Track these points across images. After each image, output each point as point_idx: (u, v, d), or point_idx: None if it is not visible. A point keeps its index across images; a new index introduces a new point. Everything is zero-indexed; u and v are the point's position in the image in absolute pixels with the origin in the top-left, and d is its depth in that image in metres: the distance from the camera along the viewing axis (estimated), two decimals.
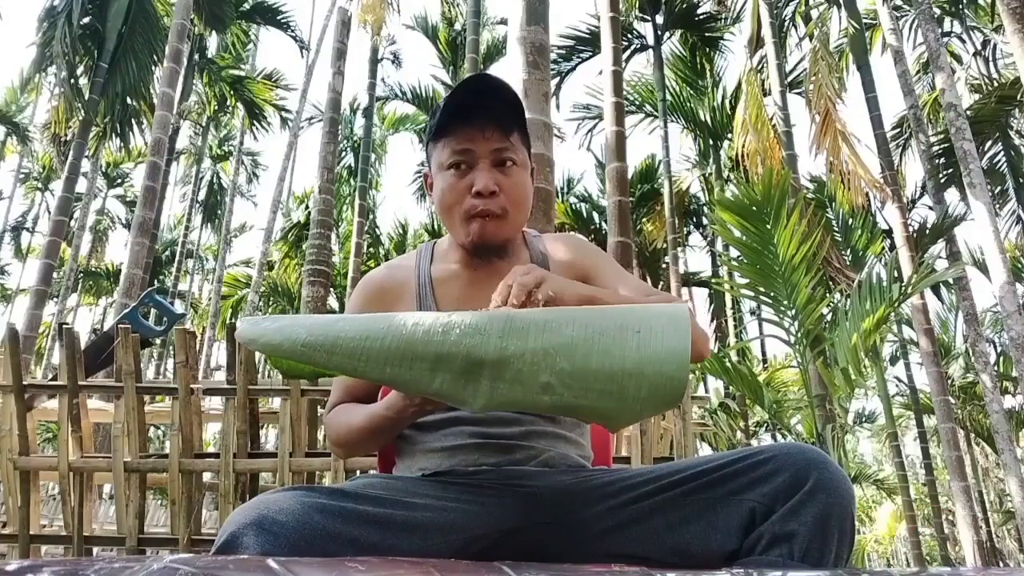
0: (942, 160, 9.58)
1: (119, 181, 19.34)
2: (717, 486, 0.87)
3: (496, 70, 12.38)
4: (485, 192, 1.05)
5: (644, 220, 12.57)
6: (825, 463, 0.83)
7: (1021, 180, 10.43)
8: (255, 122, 13.56)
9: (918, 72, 11.60)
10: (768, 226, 3.67)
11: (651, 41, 11.07)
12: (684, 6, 10.82)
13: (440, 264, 1.17)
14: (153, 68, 9.31)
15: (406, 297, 1.14)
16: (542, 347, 0.75)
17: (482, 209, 1.06)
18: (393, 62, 13.61)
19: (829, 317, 4.59)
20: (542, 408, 0.78)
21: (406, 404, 0.92)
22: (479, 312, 0.81)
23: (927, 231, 9.10)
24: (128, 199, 19.16)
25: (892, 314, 3.81)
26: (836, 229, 8.96)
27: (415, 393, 0.82)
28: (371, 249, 15.35)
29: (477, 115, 1.05)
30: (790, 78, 9.97)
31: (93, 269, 19.22)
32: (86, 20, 8.91)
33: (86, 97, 8.84)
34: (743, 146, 8.73)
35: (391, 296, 1.15)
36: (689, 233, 13.72)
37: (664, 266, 12.27)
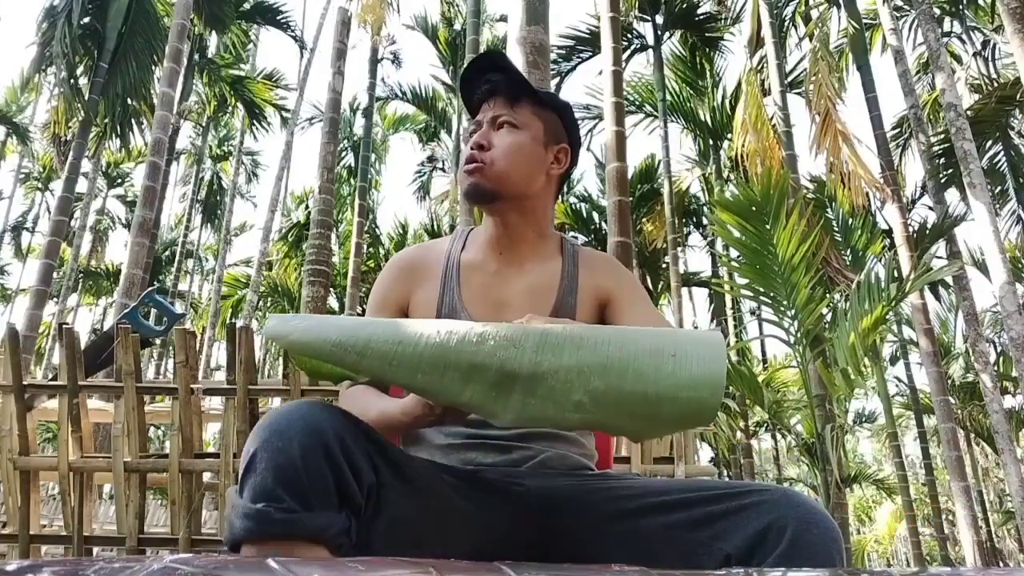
0: (942, 160, 9.57)
1: (119, 181, 19.34)
2: (696, 528, 0.85)
3: None
4: (474, 145, 1.14)
5: (644, 220, 12.56)
6: (812, 521, 0.79)
7: (1021, 180, 10.43)
8: (255, 122, 13.56)
9: (918, 72, 11.59)
10: (768, 226, 3.67)
11: (651, 41, 11.06)
12: (684, 6, 10.82)
13: (471, 250, 1.19)
14: (153, 68, 9.30)
15: (432, 277, 1.16)
16: (576, 365, 0.74)
17: (468, 157, 1.14)
18: (393, 62, 13.61)
19: (829, 317, 4.59)
20: (570, 425, 0.77)
21: (424, 414, 0.91)
22: (514, 324, 0.80)
23: (927, 231, 9.10)
24: (128, 199, 19.15)
25: (892, 314, 3.81)
26: (836, 229, 8.96)
27: (444, 402, 0.81)
28: (371, 249, 15.35)
29: (489, 90, 1.18)
30: (790, 78, 9.97)
31: (93, 269, 19.21)
32: (86, 20, 8.91)
33: (86, 97, 8.84)
34: (743, 146, 8.72)
35: (419, 274, 1.18)
36: (689, 233, 13.72)
37: (664, 266, 12.27)
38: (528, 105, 1.17)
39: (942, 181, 9.58)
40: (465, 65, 1.19)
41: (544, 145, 1.17)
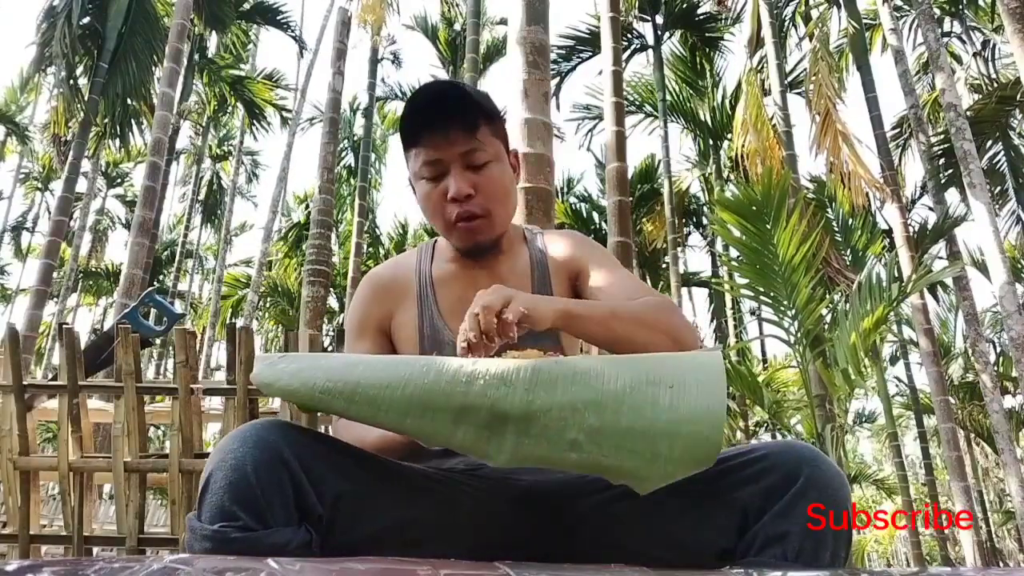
0: (942, 160, 9.57)
1: (119, 181, 19.34)
2: (708, 483, 0.85)
3: (496, 70, 12.38)
4: (460, 196, 1.04)
5: (644, 220, 12.57)
6: (816, 461, 0.81)
7: (1021, 180, 10.42)
8: (255, 122, 13.56)
9: (918, 72, 11.59)
10: (768, 226, 3.67)
11: (651, 41, 11.07)
12: (684, 6, 10.82)
13: (440, 264, 1.17)
14: (153, 68, 9.30)
15: (408, 296, 1.15)
16: (570, 402, 0.72)
17: (461, 212, 1.05)
18: (393, 62, 13.61)
19: (829, 317, 4.59)
20: (568, 465, 0.74)
21: None
22: (505, 361, 0.78)
23: (927, 231, 9.10)
24: (128, 199, 19.15)
25: (892, 314, 3.81)
26: (836, 229, 8.96)
27: (436, 445, 0.79)
28: (371, 249, 15.35)
29: (439, 123, 1.04)
30: (790, 78, 9.97)
31: (93, 269, 19.21)
32: (86, 20, 8.91)
33: (86, 97, 8.83)
34: (743, 146, 8.72)
35: (395, 294, 1.15)
36: (689, 233, 13.72)
37: (664, 266, 12.27)
38: (486, 126, 1.07)
39: (942, 181, 9.58)
40: (411, 97, 1.04)
41: (508, 163, 1.12)
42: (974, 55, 12.29)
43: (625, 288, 1.09)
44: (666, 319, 0.99)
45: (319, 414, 2.33)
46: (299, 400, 0.79)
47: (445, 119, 1.04)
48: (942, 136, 9.47)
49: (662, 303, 1.03)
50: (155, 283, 15.74)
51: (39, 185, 19.28)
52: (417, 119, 1.04)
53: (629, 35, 10.98)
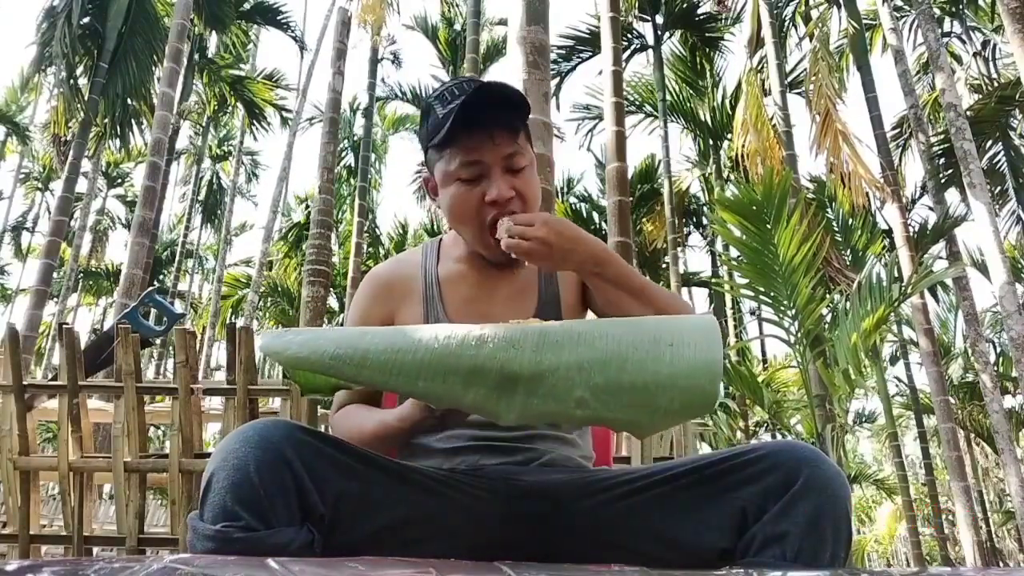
0: (942, 160, 9.57)
1: (119, 181, 19.33)
2: (708, 483, 0.86)
3: (496, 70, 12.38)
4: (502, 200, 1.01)
5: (644, 220, 12.57)
6: (817, 461, 0.82)
7: (1021, 180, 10.42)
8: (255, 122, 13.56)
9: (918, 72, 11.59)
10: (768, 226, 3.67)
11: (651, 41, 11.06)
12: (684, 6, 10.82)
13: (446, 263, 1.15)
14: (153, 68, 9.30)
15: (413, 296, 1.13)
16: (576, 361, 0.75)
17: (499, 215, 1.01)
18: (393, 62, 13.61)
19: (829, 317, 4.59)
20: (574, 421, 0.78)
21: (423, 417, 0.91)
22: (512, 325, 0.80)
23: (927, 231, 9.10)
24: (128, 199, 19.14)
25: (892, 314, 3.81)
26: (836, 229, 8.96)
27: (446, 406, 0.81)
28: (371, 249, 15.35)
29: (487, 122, 1.00)
30: (790, 78, 9.96)
31: (93, 269, 19.21)
32: (86, 20, 8.90)
33: (86, 97, 8.83)
34: (743, 146, 8.72)
35: (397, 293, 1.13)
36: (689, 233, 13.72)
37: (664, 266, 12.27)
38: (523, 131, 1.06)
39: (942, 181, 9.57)
40: (459, 91, 1.00)
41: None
42: (974, 55, 12.29)
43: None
44: (683, 310, 1.03)
45: (319, 413, 2.33)
46: (309, 367, 0.80)
47: (491, 119, 1.00)
48: (942, 136, 9.47)
49: (680, 297, 1.08)
50: (155, 283, 15.73)
51: (39, 185, 19.28)
52: (460, 118, 0.98)
53: (629, 35, 10.98)
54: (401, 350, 0.77)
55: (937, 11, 10.87)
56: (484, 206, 1.02)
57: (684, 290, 12.50)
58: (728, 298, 12.30)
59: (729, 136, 10.95)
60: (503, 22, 11.84)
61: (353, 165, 14.88)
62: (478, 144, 1.01)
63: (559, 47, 10.22)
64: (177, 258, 16.12)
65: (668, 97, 10.98)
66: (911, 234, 8.40)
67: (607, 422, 0.78)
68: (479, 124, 1.00)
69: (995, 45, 12.00)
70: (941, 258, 9.86)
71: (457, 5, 12.76)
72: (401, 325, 1.13)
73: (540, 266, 1.01)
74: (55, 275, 11.32)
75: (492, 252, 1.05)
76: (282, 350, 0.80)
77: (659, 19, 10.93)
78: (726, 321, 12.72)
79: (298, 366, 0.81)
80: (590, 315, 1.22)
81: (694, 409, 0.76)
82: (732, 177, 11.25)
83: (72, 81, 8.69)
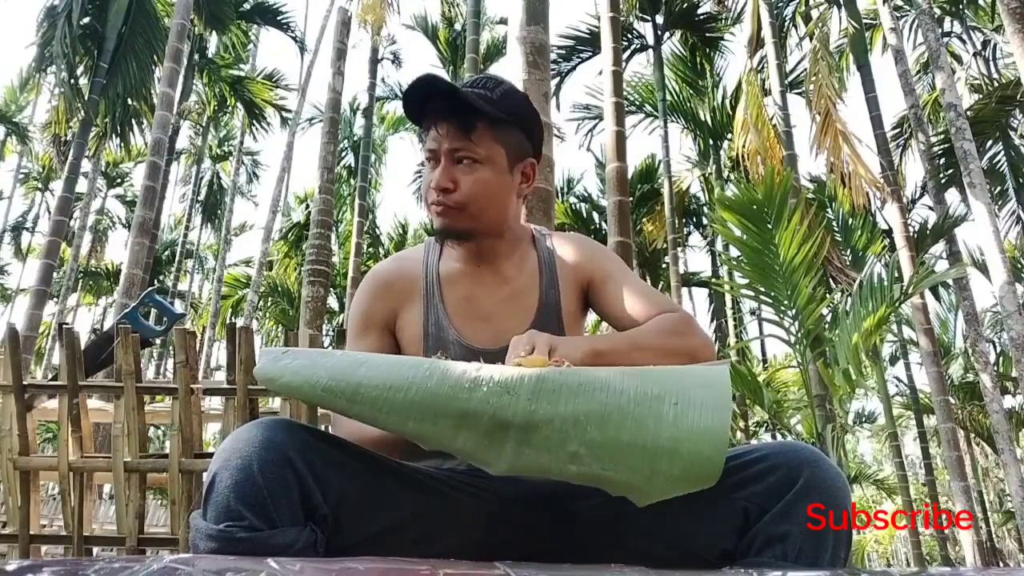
0: (942, 160, 9.57)
1: (119, 181, 19.33)
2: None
3: (496, 70, 12.38)
4: (437, 188, 1.07)
5: (644, 220, 12.57)
6: (817, 461, 0.82)
7: (1021, 180, 10.42)
8: (255, 122, 13.56)
9: (918, 72, 11.59)
10: (769, 226, 3.67)
11: (651, 41, 11.06)
12: (684, 6, 10.82)
13: (447, 261, 1.16)
14: (153, 68, 9.30)
15: (414, 294, 1.14)
16: (572, 413, 0.72)
17: (436, 201, 1.08)
18: (393, 62, 13.61)
19: (829, 317, 4.59)
20: (567, 476, 0.74)
21: None
22: (510, 368, 0.78)
23: (927, 231, 9.10)
24: (128, 199, 19.15)
25: (892, 314, 3.81)
26: (836, 229, 8.96)
27: (436, 448, 0.79)
28: (371, 249, 15.35)
29: (439, 117, 1.07)
30: (790, 78, 9.96)
31: (93, 269, 19.21)
32: (86, 20, 8.90)
33: (86, 97, 8.83)
34: (743, 146, 8.72)
35: (398, 291, 1.14)
36: (689, 233, 13.72)
37: (664, 266, 12.27)
38: (486, 131, 1.07)
39: (942, 181, 9.57)
40: (407, 87, 1.07)
41: (509, 170, 1.11)
42: (974, 55, 12.29)
43: (639, 303, 1.09)
44: (685, 343, 1.00)
45: (319, 412, 2.34)
46: (301, 397, 0.80)
47: (440, 113, 1.07)
48: (942, 136, 9.47)
49: (680, 322, 1.04)
50: (155, 283, 15.73)
51: (39, 185, 19.28)
52: (405, 106, 1.10)
53: (629, 35, 10.98)
54: (393, 387, 0.75)
55: (937, 11, 10.87)
56: (430, 189, 1.10)
57: (684, 290, 12.50)
58: (728, 298, 12.30)
59: (729, 136, 10.95)
60: (503, 21, 11.85)
61: (353, 165, 14.87)
62: (435, 135, 1.08)
63: (559, 47, 10.21)
64: (177, 258, 16.12)
65: (668, 97, 10.98)
66: (911, 234, 8.40)
67: (602, 481, 0.74)
68: (435, 117, 1.08)
69: (995, 45, 12.00)
70: (941, 258, 9.86)
71: (457, 5, 12.76)
72: (401, 326, 1.13)
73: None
74: (55, 275, 11.32)
75: (433, 229, 1.13)
76: (276, 377, 0.80)
77: (659, 19, 10.93)
78: (726, 321, 12.71)
79: (291, 395, 0.81)
80: (592, 316, 1.22)
81: (696, 478, 0.71)
82: (732, 177, 11.25)
83: (72, 81, 8.69)
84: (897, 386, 14.66)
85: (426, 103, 1.08)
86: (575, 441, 0.71)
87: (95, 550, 2.57)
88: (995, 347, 14.14)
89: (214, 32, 12.14)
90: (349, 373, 0.78)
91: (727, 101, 11.19)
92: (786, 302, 3.75)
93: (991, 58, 12.13)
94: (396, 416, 0.75)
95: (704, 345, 1.01)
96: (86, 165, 13.40)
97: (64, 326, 2.21)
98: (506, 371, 0.76)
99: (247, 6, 12.38)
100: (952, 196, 10.03)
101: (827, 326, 4.49)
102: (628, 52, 11.09)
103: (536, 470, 0.74)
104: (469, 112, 1.06)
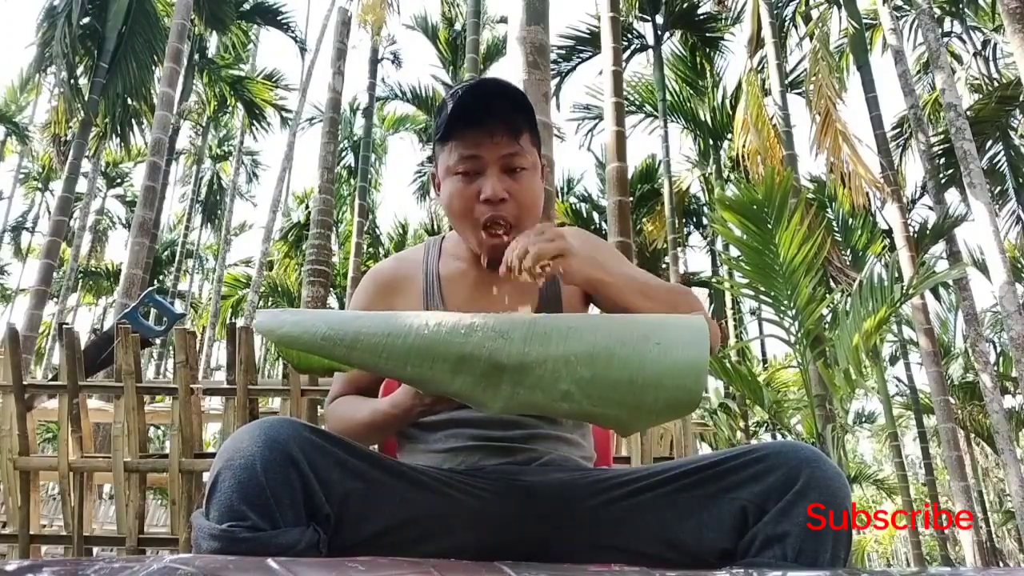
0: (942, 160, 9.57)
1: (119, 181, 19.33)
2: (709, 483, 0.86)
3: (496, 70, 12.38)
4: (494, 199, 1.01)
5: (644, 220, 12.56)
6: (817, 461, 0.82)
7: (1021, 180, 10.43)
8: (255, 122, 13.56)
9: (918, 72, 11.59)
10: (769, 226, 3.66)
11: (651, 41, 11.06)
12: (684, 6, 10.81)
13: (448, 261, 1.15)
14: (153, 68, 9.30)
15: (413, 293, 1.12)
16: (563, 354, 0.75)
17: (491, 216, 1.02)
18: (393, 62, 13.59)
19: (829, 317, 4.59)
20: (559, 414, 0.79)
21: (413, 404, 0.91)
22: (502, 315, 0.80)
23: (927, 231, 9.10)
24: (128, 199, 19.14)
25: (892, 315, 3.81)
26: (836, 229, 8.96)
27: (433, 392, 0.82)
28: (371, 249, 15.35)
29: (486, 119, 1.01)
30: (790, 78, 9.96)
31: (93, 269, 19.20)
32: (86, 20, 8.90)
33: (86, 97, 8.83)
34: (743, 146, 8.72)
35: (398, 290, 1.13)
36: (689, 233, 13.71)
37: (664, 266, 12.26)
38: (528, 133, 1.05)
39: (942, 181, 9.57)
40: (464, 87, 1.01)
41: (541, 173, 1.09)
42: (974, 55, 12.29)
43: (644, 277, 1.09)
44: (688, 307, 1.02)
45: (319, 413, 2.33)
46: (301, 346, 0.81)
47: (493, 115, 1.01)
48: (942, 136, 9.47)
49: (687, 291, 1.07)
50: (155, 283, 15.73)
51: (39, 185, 19.28)
52: (461, 112, 1.00)
53: (629, 35, 10.97)
54: (392, 334, 0.78)
55: (937, 11, 10.87)
56: (478, 203, 1.02)
57: None
58: (728, 298, 12.29)
59: (729, 136, 10.95)
60: (504, 21, 11.85)
61: (353, 165, 14.88)
62: (477, 140, 1.01)
63: (559, 47, 10.21)
64: (177, 258, 16.12)
65: (668, 97, 10.97)
66: (911, 234, 8.40)
67: (592, 417, 0.79)
68: (477, 119, 1.00)
69: (995, 45, 12.00)
70: (941, 258, 9.87)
71: (457, 5, 12.76)
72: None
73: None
74: (55, 275, 11.32)
75: (483, 250, 1.05)
76: (275, 328, 0.81)
77: (659, 19, 10.93)
78: (726, 321, 12.71)
79: (290, 345, 0.82)
80: (593, 310, 1.22)
81: (678, 408, 0.76)
82: (732, 177, 11.24)
83: (72, 81, 8.69)
84: (897, 386, 14.68)
85: (461, 111, 1.00)
86: (566, 380, 0.75)
87: (95, 550, 2.57)
88: (995, 347, 14.14)
89: (214, 32, 12.14)
90: (348, 324, 0.80)
91: (727, 101, 11.18)
92: (786, 302, 3.75)
93: (991, 58, 12.14)
94: (395, 361, 0.78)
95: (714, 332, 1.01)
96: (86, 165, 13.39)
97: (64, 326, 2.21)
98: (500, 317, 0.79)
99: (247, 6, 12.38)
100: (952, 196, 10.05)
101: (827, 326, 4.49)
102: (628, 52, 11.09)
103: (531, 408, 0.78)
104: (522, 113, 1.02)
